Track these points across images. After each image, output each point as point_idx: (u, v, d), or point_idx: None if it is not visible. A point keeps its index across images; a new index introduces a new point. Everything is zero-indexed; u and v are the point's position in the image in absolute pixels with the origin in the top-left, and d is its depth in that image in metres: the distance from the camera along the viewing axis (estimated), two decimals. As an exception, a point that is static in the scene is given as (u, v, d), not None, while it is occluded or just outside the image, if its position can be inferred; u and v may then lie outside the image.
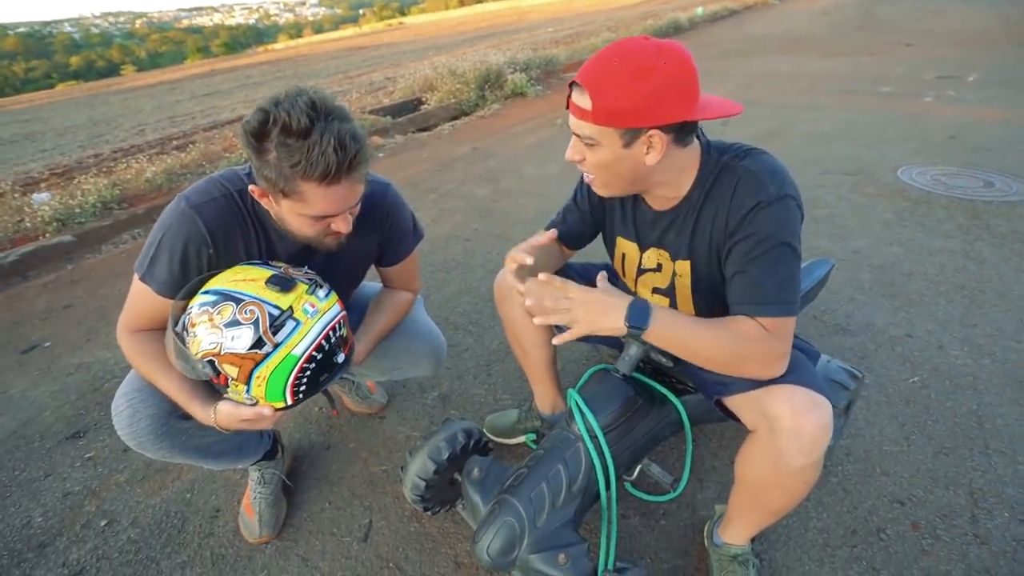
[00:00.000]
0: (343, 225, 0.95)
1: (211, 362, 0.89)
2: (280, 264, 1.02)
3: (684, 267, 1.02)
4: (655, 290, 1.10)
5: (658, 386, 1.20)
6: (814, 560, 1.16)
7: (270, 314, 0.89)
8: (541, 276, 0.92)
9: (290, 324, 0.91)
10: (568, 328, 0.91)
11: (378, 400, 1.72)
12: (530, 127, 5.00)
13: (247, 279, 0.93)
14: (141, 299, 1.01)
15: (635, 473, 1.22)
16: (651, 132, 0.83)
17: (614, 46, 0.84)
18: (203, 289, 0.94)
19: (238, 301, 0.89)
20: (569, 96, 0.88)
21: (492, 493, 1.12)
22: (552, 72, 7.23)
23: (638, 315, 0.86)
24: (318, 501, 1.43)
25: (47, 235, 3.19)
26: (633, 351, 1.13)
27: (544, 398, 1.45)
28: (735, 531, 1.07)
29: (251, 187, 0.94)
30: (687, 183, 0.95)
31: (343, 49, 20.62)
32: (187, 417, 1.08)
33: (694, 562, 1.18)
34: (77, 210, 3.35)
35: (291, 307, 0.92)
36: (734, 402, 0.98)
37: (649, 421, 1.18)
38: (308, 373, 0.94)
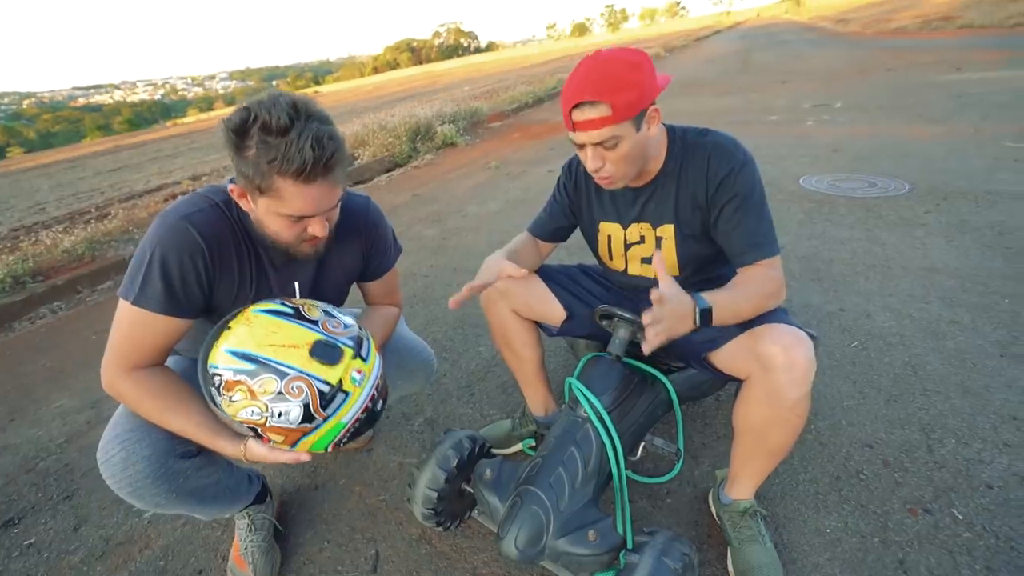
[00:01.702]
0: (319, 229, 0.93)
1: (254, 429, 0.86)
2: (307, 308, 0.93)
3: (667, 230, 1.15)
4: (643, 260, 1.22)
5: (647, 367, 1.28)
6: (810, 508, 1.25)
7: (320, 391, 0.85)
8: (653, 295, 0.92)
9: (340, 397, 0.87)
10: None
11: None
12: (466, 172, 5.19)
13: (287, 345, 0.85)
14: (138, 327, 0.93)
15: (639, 452, 1.26)
16: (652, 108, 1.00)
17: (595, 61, 0.98)
18: (233, 348, 0.84)
19: (283, 375, 0.83)
20: (571, 119, 0.99)
21: (508, 490, 1.13)
22: (478, 123, 7.59)
23: (703, 318, 0.96)
24: (315, 542, 1.34)
25: (-55, 319, 2.84)
26: (622, 333, 1.21)
27: (536, 401, 1.48)
28: (741, 486, 1.14)
29: (230, 186, 0.92)
30: (661, 157, 1.11)
31: (260, 117, 20.35)
32: (185, 456, 1.01)
33: (705, 530, 1.23)
34: (-19, 288, 3.02)
35: (340, 381, 0.87)
36: (723, 355, 1.08)
37: (644, 400, 1.25)
38: (353, 432, 0.93)
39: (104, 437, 0.98)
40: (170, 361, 1.15)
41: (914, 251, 2.37)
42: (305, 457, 0.92)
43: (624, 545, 1.01)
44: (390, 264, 1.28)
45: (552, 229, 1.34)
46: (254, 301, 1.05)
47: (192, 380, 1.02)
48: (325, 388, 0.85)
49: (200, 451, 1.04)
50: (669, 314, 0.92)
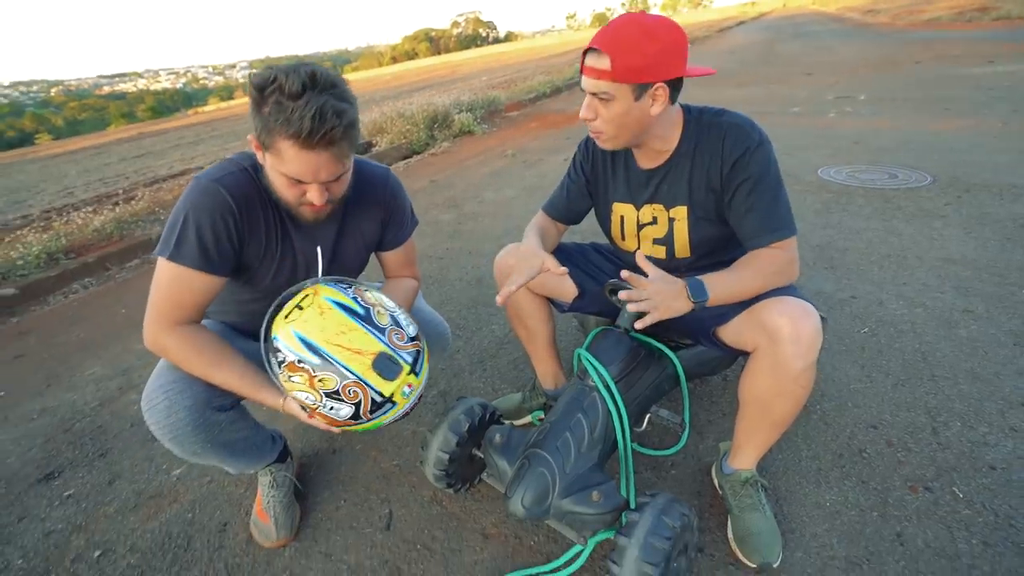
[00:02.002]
0: (316, 196, 0.96)
1: (303, 405, 0.94)
2: (378, 313, 0.97)
3: (680, 212, 1.16)
4: (655, 240, 1.24)
5: (654, 342, 1.31)
6: (811, 483, 1.28)
7: (372, 400, 0.93)
8: (624, 274, 1.03)
9: (388, 406, 0.95)
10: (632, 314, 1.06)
11: (379, 403, 1.73)
12: (482, 160, 5.22)
13: (354, 350, 0.91)
14: (177, 283, 0.99)
15: (644, 424, 1.30)
16: (657, 86, 1.00)
17: (622, 18, 1.00)
18: (302, 334, 0.90)
19: (343, 377, 0.90)
20: (583, 62, 1.02)
21: (517, 454, 1.17)
22: (496, 112, 7.60)
23: (697, 292, 1.00)
24: (332, 501, 1.41)
25: (-16, 290, 2.98)
26: (630, 307, 1.25)
27: (547, 374, 1.53)
28: (743, 456, 1.18)
29: (249, 136, 0.97)
30: (675, 137, 1.12)
31: (280, 105, 20.55)
32: (221, 410, 1.08)
33: (708, 500, 1.27)
34: (19, 263, 3.15)
35: (392, 394, 0.94)
36: (731, 329, 1.11)
37: (651, 373, 1.29)
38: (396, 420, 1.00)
39: (148, 387, 1.05)
40: (206, 323, 1.23)
41: (931, 242, 2.36)
42: (335, 431, 1.00)
43: (627, 506, 1.06)
44: (407, 235, 1.32)
45: (569, 211, 1.37)
46: (282, 266, 1.10)
47: (224, 337, 1.10)
48: (378, 398, 0.94)
49: (233, 406, 1.12)
50: (655, 293, 0.99)
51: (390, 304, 1.03)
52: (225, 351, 1.03)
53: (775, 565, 1.08)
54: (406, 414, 1.01)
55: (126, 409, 1.94)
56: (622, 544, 0.94)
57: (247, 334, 1.24)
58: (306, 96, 0.86)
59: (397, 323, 1.00)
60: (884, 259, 2.26)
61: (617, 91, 0.99)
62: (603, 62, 0.97)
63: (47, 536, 1.42)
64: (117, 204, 4.72)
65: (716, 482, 1.27)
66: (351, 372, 0.91)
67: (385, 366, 0.93)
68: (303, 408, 0.96)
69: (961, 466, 1.26)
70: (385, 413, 0.96)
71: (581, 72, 1.04)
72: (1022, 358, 1.58)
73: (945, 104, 4.91)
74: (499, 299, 1.10)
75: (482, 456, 1.27)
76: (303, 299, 0.96)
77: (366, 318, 0.95)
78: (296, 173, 0.93)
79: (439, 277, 2.67)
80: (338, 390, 0.90)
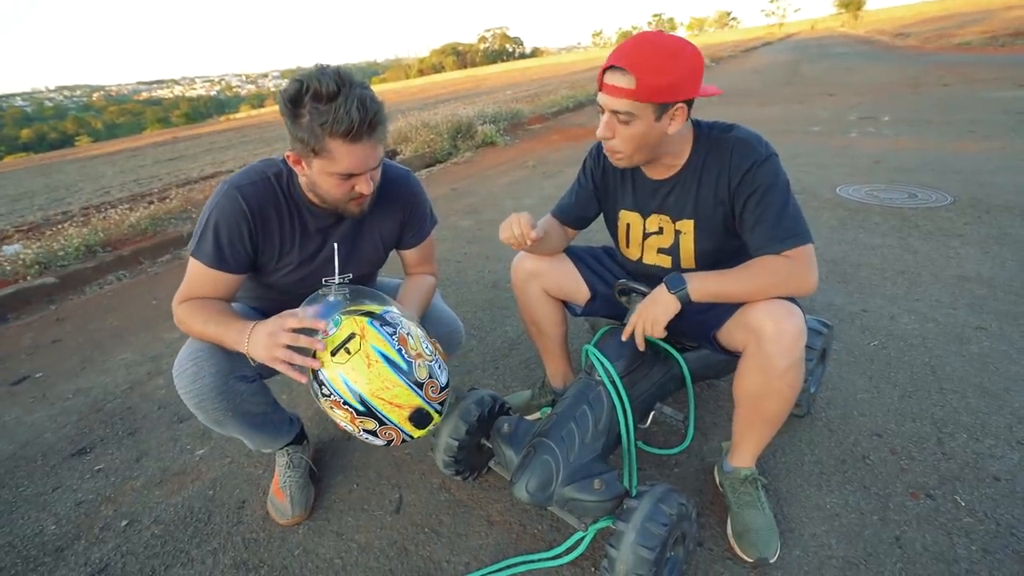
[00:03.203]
0: (365, 186, 1.05)
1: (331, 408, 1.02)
2: (419, 368, 1.03)
3: (687, 225, 1.19)
4: (660, 250, 1.27)
5: (661, 344, 1.35)
6: (813, 486, 1.29)
7: (403, 439, 1.05)
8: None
9: (409, 439, 1.06)
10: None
11: (393, 395, 1.79)
12: (503, 170, 5.32)
13: (395, 404, 1.00)
14: (198, 276, 1.12)
15: (648, 420, 1.34)
16: (677, 106, 1.01)
17: (640, 37, 1.01)
18: (349, 382, 0.97)
19: (382, 423, 1.00)
20: (602, 79, 1.03)
21: (523, 443, 1.22)
22: (518, 124, 7.73)
23: (675, 282, 1.06)
24: (345, 484, 1.47)
25: (28, 278, 3.15)
26: (625, 337, 1.29)
27: (557, 373, 1.57)
28: (741, 454, 1.20)
29: (287, 154, 1.07)
30: (686, 152, 1.15)
31: (309, 114, 21.12)
32: (243, 380, 1.16)
33: (709, 498, 1.29)
34: (60, 253, 3.33)
35: (420, 434, 1.06)
36: (727, 331, 1.14)
37: (656, 372, 1.33)
38: None
39: (178, 356, 1.15)
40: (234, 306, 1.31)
41: (947, 260, 2.35)
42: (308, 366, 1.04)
43: (627, 495, 1.10)
44: (426, 233, 1.39)
45: (577, 216, 1.39)
46: (297, 264, 1.20)
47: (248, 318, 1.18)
48: (407, 439, 1.05)
49: (255, 380, 1.20)
50: (640, 308, 1.08)
51: (428, 349, 1.08)
52: (218, 310, 1.11)
53: (772, 561, 1.10)
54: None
55: (154, 393, 2.04)
56: (620, 528, 0.98)
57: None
58: (343, 93, 0.94)
59: (432, 375, 1.06)
60: (898, 275, 2.26)
61: (640, 111, 1.00)
62: (627, 81, 0.97)
63: (78, 505, 1.51)
64: (151, 203, 4.93)
65: (718, 480, 1.30)
66: (389, 421, 1.01)
67: (420, 418, 1.03)
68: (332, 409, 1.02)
69: (965, 476, 1.27)
70: (406, 440, 1.06)
71: (600, 89, 1.04)
72: (1034, 375, 1.58)
73: (971, 127, 4.86)
74: (531, 238, 1.18)
75: (491, 446, 1.32)
76: (350, 341, 1.00)
77: (408, 373, 1.01)
78: (349, 168, 1.01)
79: (457, 280, 2.74)
80: (376, 431, 1.01)
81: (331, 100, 0.94)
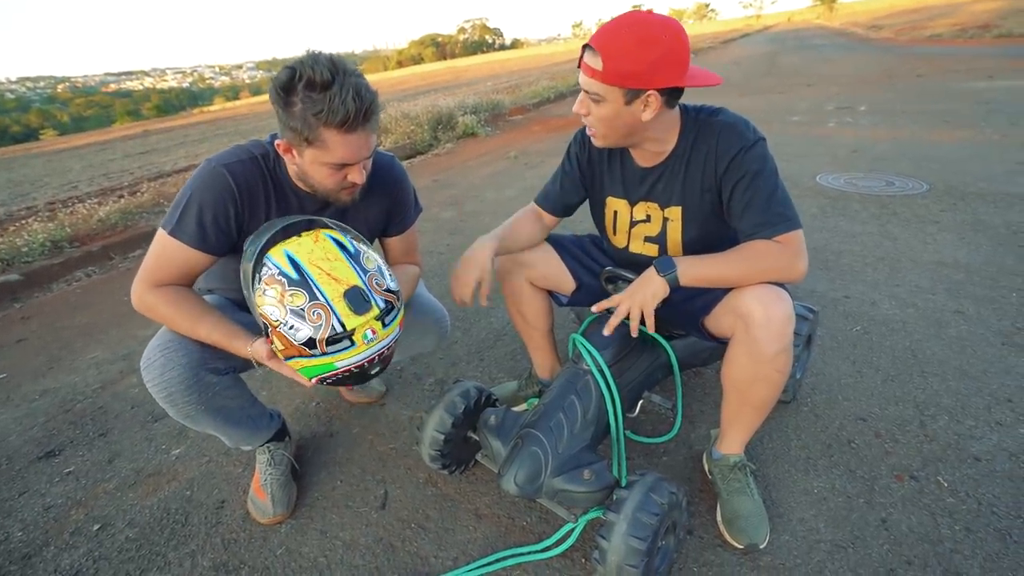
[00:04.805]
0: (358, 176, 1.02)
1: (266, 326, 0.95)
2: (365, 257, 0.99)
3: (675, 212, 1.17)
4: (647, 239, 1.25)
5: (648, 331, 1.34)
6: (800, 471, 1.30)
7: (332, 327, 0.91)
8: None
9: (345, 343, 0.93)
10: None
11: (376, 389, 1.75)
12: (485, 161, 5.27)
13: (331, 275, 0.92)
14: (172, 255, 1.05)
15: (636, 410, 1.32)
16: (649, 93, 0.98)
17: (624, 17, 0.98)
18: (291, 252, 0.93)
19: (312, 297, 0.90)
20: (581, 57, 1.01)
21: (511, 435, 1.20)
22: (500, 115, 7.66)
23: (664, 265, 1.05)
24: (329, 481, 1.43)
25: (-11, 276, 3.01)
26: (612, 323, 1.27)
27: (543, 364, 1.55)
28: (730, 441, 1.20)
29: (277, 142, 1.01)
30: (672, 139, 1.12)
31: (285, 106, 20.64)
32: (215, 372, 1.11)
33: (698, 486, 1.29)
34: (24, 249, 3.19)
35: (353, 330, 0.92)
36: (715, 317, 1.13)
37: (644, 360, 1.31)
38: (340, 379, 0.99)
39: (147, 348, 1.09)
40: (208, 299, 1.26)
41: (925, 246, 2.39)
42: (301, 380, 1.00)
43: (617, 485, 1.08)
44: (411, 221, 1.35)
45: (562, 203, 1.36)
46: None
47: (223, 311, 1.13)
48: (338, 329, 0.91)
49: (228, 372, 1.15)
50: (628, 292, 1.07)
51: (382, 261, 1.04)
52: (204, 306, 1.08)
53: (762, 546, 1.10)
54: (362, 369, 0.98)
55: (127, 391, 1.96)
56: (611, 519, 0.97)
57: (248, 310, 1.27)
58: (337, 82, 0.90)
59: (381, 273, 1.00)
60: (878, 261, 2.29)
61: (607, 93, 0.99)
62: (596, 62, 0.97)
63: (47, 510, 1.44)
64: (122, 197, 4.76)
65: (707, 467, 1.29)
66: (322, 294, 0.91)
67: (355, 299, 0.92)
68: (266, 327, 0.94)
69: (947, 457, 1.29)
70: (342, 351, 0.93)
71: (578, 66, 1.04)
72: (1010, 357, 1.61)
73: (944, 116, 4.96)
74: (481, 302, 1.21)
75: (477, 438, 1.29)
76: (305, 229, 1.00)
77: (354, 256, 0.98)
78: (343, 158, 0.97)
79: (439, 271, 2.70)
80: (304, 308, 0.90)
81: (325, 89, 0.90)
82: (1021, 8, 16.55)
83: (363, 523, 1.29)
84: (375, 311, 0.94)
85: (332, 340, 0.92)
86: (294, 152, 1.00)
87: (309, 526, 1.30)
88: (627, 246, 1.31)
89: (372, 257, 1.02)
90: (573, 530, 1.12)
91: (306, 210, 1.16)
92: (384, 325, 0.97)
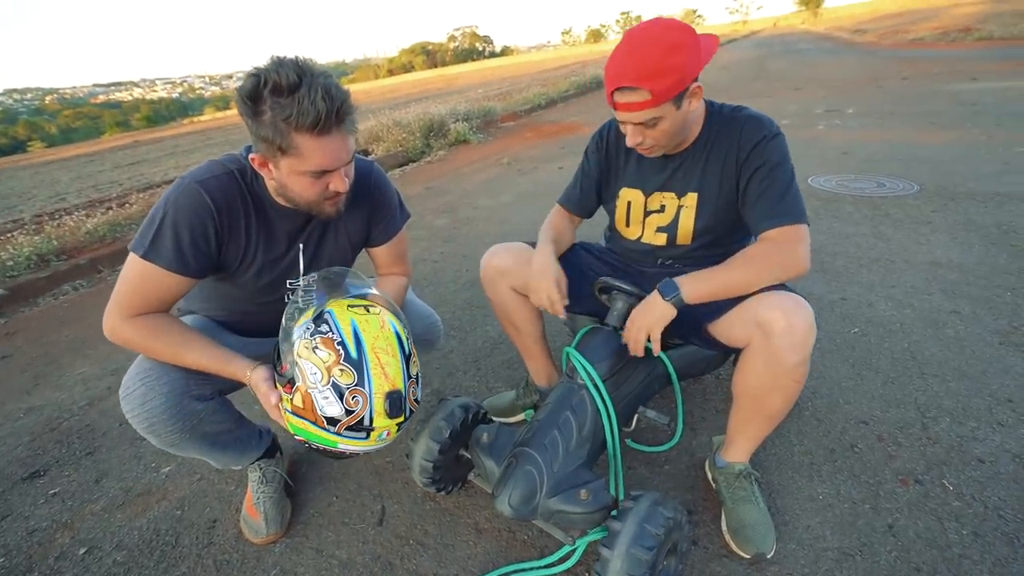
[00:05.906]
0: (340, 184, 0.96)
1: (291, 380, 0.91)
2: (414, 361, 0.99)
3: (690, 199, 1.19)
4: (659, 228, 1.25)
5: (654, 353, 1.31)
6: (804, 477, 1.28)
7: (360, 419, 0.90)
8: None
9: (362, 435, 0.92)
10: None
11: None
12: (478, 168, 5.26)
13: (384, 370, 0.91)
14: (147, 280, 0.98)
15: (633, 424, 1.29)
16: (692, 86, 1.02)
17: (634, 40, 0.99)
18: (358, 328, 0.91)
19: (360, 383, 0.89)
20: (612, 99, 1.02)
21: (504, 453, 1.14)
22: (491, 122, 7.67)
23: (667, 289, 1.05)
24: (324, 497, 1.40)
25: (-28, 291, 2.95)
26: (620, 306, 1.24)
27: (539, 372, 1.53)
28: (736, 449, 1.18)
29: (251, 156, 0.96)
30: (697, 128, 1.15)
31: (276, 115, 20.58)
32: (200, 399, 1.07)
33: (701, 494, 1.27)
34: (9, 263, 3.13)
35: (377, 428, 0.92)
36: (723, 325, 1.11)
37: (640, 372, 1.28)
38: (322, 450, 0.97)
39: (127, 375, 1.03)
40: (188, 319, 1.21)
41: (919, 247, 2.40)
42: (283, 425, 0.97)
43: (615, 505, 1.03)
44: (396, 228, 1.28)
45: (582, 204, 1.38)
46: (266, 261, 1.09)
47: (208, 333, 1.08)
48: (366, 423, 0.91)
49: (213, 397, 1.10)
50: (633, 316, 1.08)
51: (419, 368, 1.04)
52: (187, 331, 1.02)
53: (769, 556, 1.08)
54: (352, 455, 0.98)
55: (115, 409, 1.91)
56: (605, 556, 0.92)
57: (234, 330, 1.23)
58: (305, 83, 0.85)
59: (418, 382, 1.01)
60: (873, 263, 2.29)
61: (663, 111, 1.01)
62: (641, 95, 0.98)
63: (31, 534, 1.39)
64: (110, 208, 4.70)
65: (710, 476, 1.27)
66: (369, 384, 0.90)
67: (394, 403, 0.93)
68: (293, 379, 0.90)
69: (951, 460, 1.27)
70: (354, 439, 0.93)
71: (615, 108, 1.04)
72: (1008, 356, 1.61)
73: (931, 118, 5.02)
74: (552, 310, 1.19)
75: (469, 456, 1.25)
76: (371, 305, 0.98)
77: (407, 357, 0.97)
78: (320, 164, 0.92)
79: (433, 279, 2.67)
80: (347, 388, 0.89)
81: (293, 92, 0.85)
82: (1001, 11, 16.89)
83: (360, 540, 1.26)
84: (401, 418, 0.95)
85: (353, 428, 0.91)
86: (270, 166, 0.94)
87: (304, 545, 1.26)
88: (641, 236, 1.30)
89: (416, 362, 1.02)
90: (575, 549, 1.09)
91: (287, 228, 1.11)
92: (398, 429, 0.97)
